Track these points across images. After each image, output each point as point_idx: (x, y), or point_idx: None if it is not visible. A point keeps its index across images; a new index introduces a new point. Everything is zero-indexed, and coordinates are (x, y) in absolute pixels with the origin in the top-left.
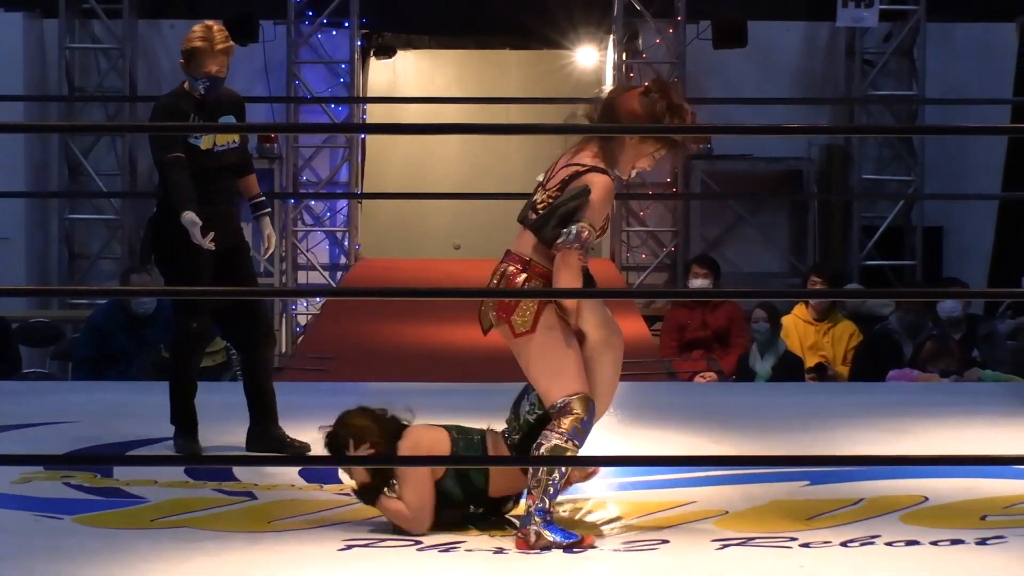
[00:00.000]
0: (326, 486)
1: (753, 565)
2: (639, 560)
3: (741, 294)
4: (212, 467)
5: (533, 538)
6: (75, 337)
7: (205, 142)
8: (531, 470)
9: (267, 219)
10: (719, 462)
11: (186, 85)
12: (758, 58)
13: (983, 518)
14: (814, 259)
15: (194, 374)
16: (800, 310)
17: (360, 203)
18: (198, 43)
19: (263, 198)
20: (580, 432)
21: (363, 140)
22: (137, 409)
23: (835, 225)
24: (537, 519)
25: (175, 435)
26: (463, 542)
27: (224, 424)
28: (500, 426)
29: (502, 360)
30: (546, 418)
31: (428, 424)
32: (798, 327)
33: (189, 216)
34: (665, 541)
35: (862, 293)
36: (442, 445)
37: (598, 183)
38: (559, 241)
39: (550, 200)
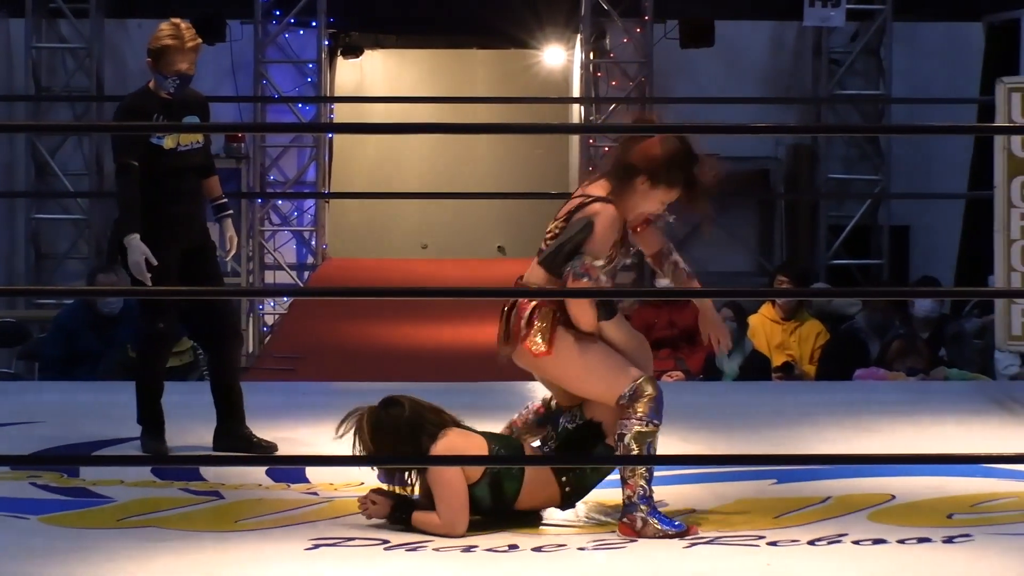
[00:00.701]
0: (293, 485)
1: (720, 564)
2: (606, 559)
3: (708, 293)
4: (179, 467)
5: (639, 524)
6: (42, 337)
7: (168, 142)
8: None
9: (229, 221)
10: (686, 461)
11: (152, 84)
12: (725, 57)
13: (950, 516)
14: (781, 258)
15: (160, 374)
16: (767, 309)
17: (327, 203)
18: (168, 41)
19: (225, 200)
20: (657, 410)
21: (330, 140)
22: (104, 409)
23: (802, 224)
24: (643, 507)
25: (142, 435)
26: (430, 541)
27: (191, 424)
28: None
29: (469, 359)
30: (587, 427)
31: (464, 429)
32: (765, 326)
33: (135, 242)
34: (633, 540)
35: (829, 292)
36: (479, 452)
37: (602, 214)
38: (566, 275)
39: (557, 231)
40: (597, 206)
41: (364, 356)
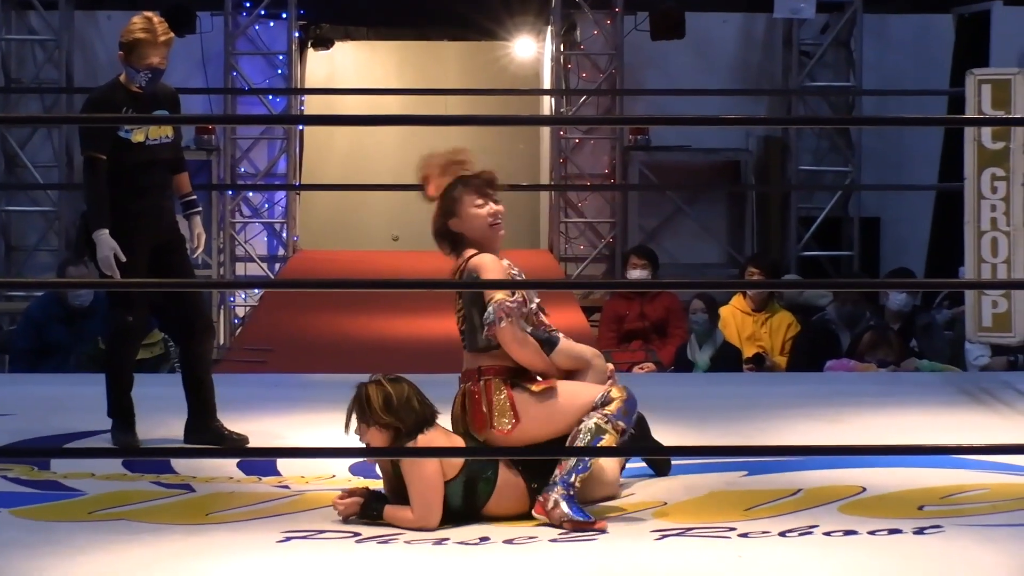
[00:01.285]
0: (264, 478)
1: (692, 556)
2: (577, 551)
3: (679, 285)
4: (150, 459)
5: (551, 505)
6: (12, 329)
7: (136, 135)
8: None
9: (197, 218)
10: (657, 452)
11: (122, 77)
12: (696, 49)
13: (920, 508)
14: (752, 250)
15: (130, 367)
16: (738, 301)
17: (298, 195)
18: (140, 34)
19: (194, 197)
20: (625, 412)
21: (301, 132)
22: (74, 402)
23: (773, 216)
24: (560, 488)
25: (112, 428)
26: (401, 534)
27: (163, 416)
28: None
29: (440, 351)
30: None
31: (445, 430)
32: (736, 318)
33: (103, 237)
34: (603, 532)
35: (800, 284)
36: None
37: (480, 265)
38: (488, 332)
39: (460, 312)
40: (472, 262)
41: (335, 348)
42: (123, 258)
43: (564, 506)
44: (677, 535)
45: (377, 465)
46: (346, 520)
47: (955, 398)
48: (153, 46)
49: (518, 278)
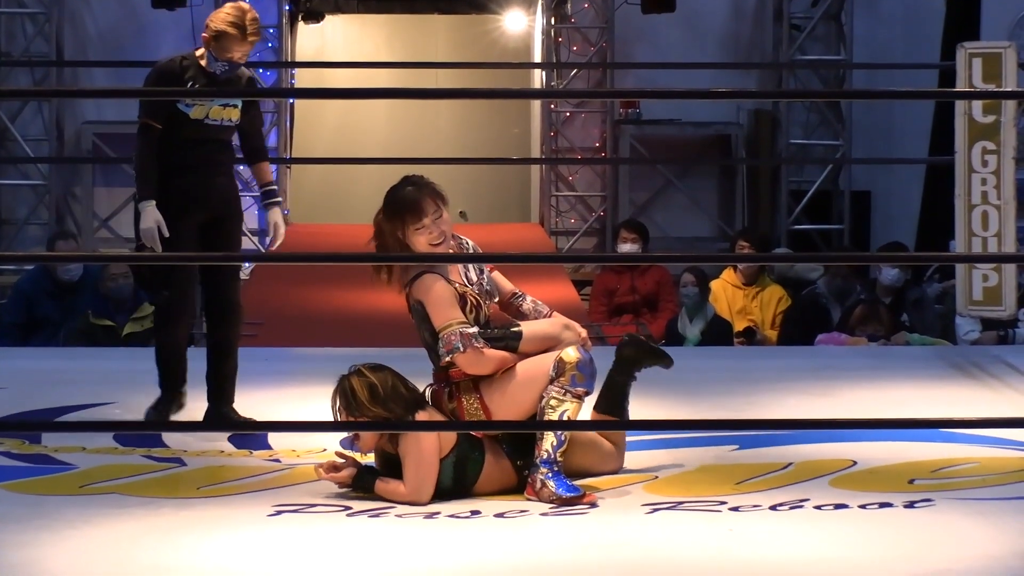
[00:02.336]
0: (255, 452)
1: (682, 529)
2: (568, 524)
3: (670, 258)
4: (141, 433)
5: (538, 485)
6: (1, 303)
7: (196, 111)
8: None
9: (277, 209)
10: (648, 426)
11: (199, 52)
12: (687, 23)
13: (911, 482)
14: (742, 223)
15: (174, 345)
16: (728, 275)
17: (289, 168)
18: (228, 28)
19: (274, 187)
20: (581, 378)
21: (291, 105)
22: (64, 376)
23: (763, 190)
24: (543, 469)
25: (155, 402)
26: (392, 508)
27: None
28: None
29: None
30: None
31: (432, 410)
32: (727, 291)
33: (149, 209)
34: (594, 505)
35: (790, 257)
36: (449, 437)
37: (422, 288)
38: (446, 361)
39: (417, 330)
40: (415, 285)
41: (325, 322)
42: (166, 232)
43: (551, 484)
44: (668, 509)
45: (361, 446)
46: (333, 488)
47: (946, 372)
48: (238, 42)
49: (469, 251)
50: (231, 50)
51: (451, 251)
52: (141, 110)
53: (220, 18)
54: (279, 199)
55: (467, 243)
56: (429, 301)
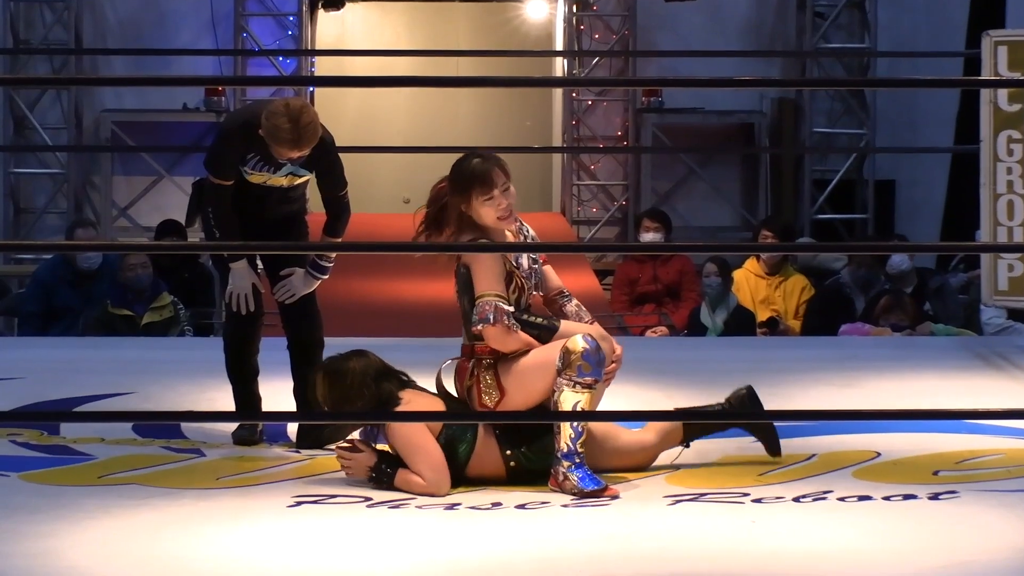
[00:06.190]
0: (275, 444)
1: (705, 521)
2: (589, 516)
3: (692, 248)
4: (160, 424)
5: (561, 478)
6: (20, 292)
7: (254, 177)
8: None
9: (307, 277)
10: (670, 417)
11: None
12: (709, 11)
13: (935, 473)
14: (765, 213)
15: (241, 363)
16: (751, 264)
17: None
18: (283, 135)
19: (326, 264)
20: (588, 367)
21: (311, 93)
22: (83, 365)
23: (786, 179)
24: (565, 463)
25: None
26: (412, 499)
27: (173, 381)
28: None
29: (449, 315)
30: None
31: (422, 391)
32: (749, 281)
33: (241, 270)
34: (615, 497)
35: (814, 247)
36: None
37: (473, 257)
38: (477, 330)
39: (457, 296)
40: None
41: (342, 312)
42: (262, 289)
43: (574, 477)
44: (690, 500)
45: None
46: (353, 479)
47: (970, 362)
48: (295, 150)
49: (526, 234)
50: (286, 154)
51: (511, 232)
52: (212, 168)
53: (274, 124)
54: (319, 276)
55: (527, 229)
56: (477, 268)
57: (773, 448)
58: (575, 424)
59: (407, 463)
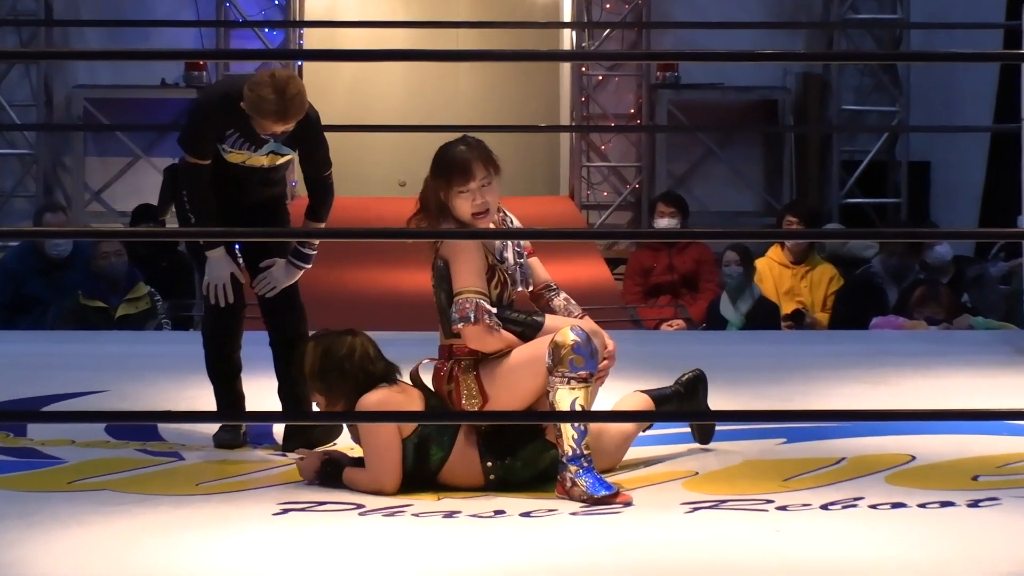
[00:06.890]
0: (260, 447)
1: (725, 530)
2: (600, 525)
3: (711, 235)
4: (135, 425)
5: (568, 484)
6: None
7: (232, 156)
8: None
9: (288, 266)
10: (687, 418)
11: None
12: None
13: (975, 478)
14: (790, 197)
15: (223, 361)
16: (775, 252)
17: None
18: (269, 105)
19: (308, 252)
20: (580, 361)
21: (300, 68)
22: (53, 360)
23: (812, 160)
24: (572, 467)
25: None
26: (410, 506)
27: (151, 376)
28: None
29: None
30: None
31: (403, 384)
32: (773, 271)
33: (218, 258)
34: (628, 504)
35: (842, 234)
36: (414, 407)
37: (455, 247)
38: (456, 329)
39: (433, 291)
40: (444, 244)
41: (333, 302)
42: (242, 280)
43: (583, 482)
44: (709, 508)
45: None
46: (348, 489)
47: (1013, 359)
48: (280, 123)
49: (510, 226)
50: (271, 128)
51: (492, 226)
52: (188, 146)
53: (259, 95)
54: (303, 267)
55: (512, 220)
56: (457, 261)
57: (704, 436)
58: (576, 424)
59: (364, 455)
